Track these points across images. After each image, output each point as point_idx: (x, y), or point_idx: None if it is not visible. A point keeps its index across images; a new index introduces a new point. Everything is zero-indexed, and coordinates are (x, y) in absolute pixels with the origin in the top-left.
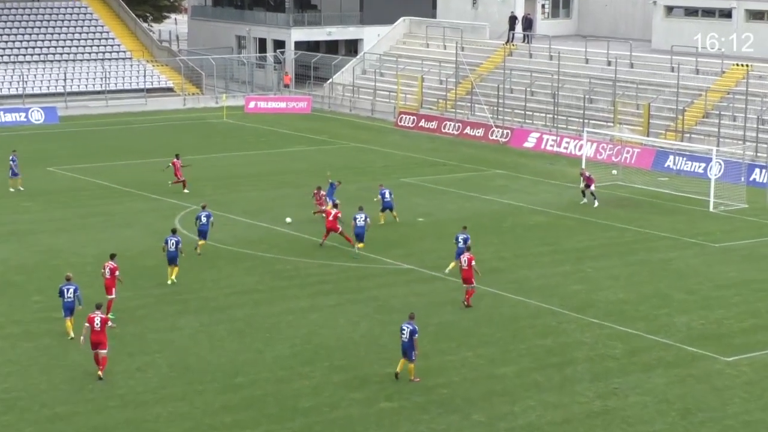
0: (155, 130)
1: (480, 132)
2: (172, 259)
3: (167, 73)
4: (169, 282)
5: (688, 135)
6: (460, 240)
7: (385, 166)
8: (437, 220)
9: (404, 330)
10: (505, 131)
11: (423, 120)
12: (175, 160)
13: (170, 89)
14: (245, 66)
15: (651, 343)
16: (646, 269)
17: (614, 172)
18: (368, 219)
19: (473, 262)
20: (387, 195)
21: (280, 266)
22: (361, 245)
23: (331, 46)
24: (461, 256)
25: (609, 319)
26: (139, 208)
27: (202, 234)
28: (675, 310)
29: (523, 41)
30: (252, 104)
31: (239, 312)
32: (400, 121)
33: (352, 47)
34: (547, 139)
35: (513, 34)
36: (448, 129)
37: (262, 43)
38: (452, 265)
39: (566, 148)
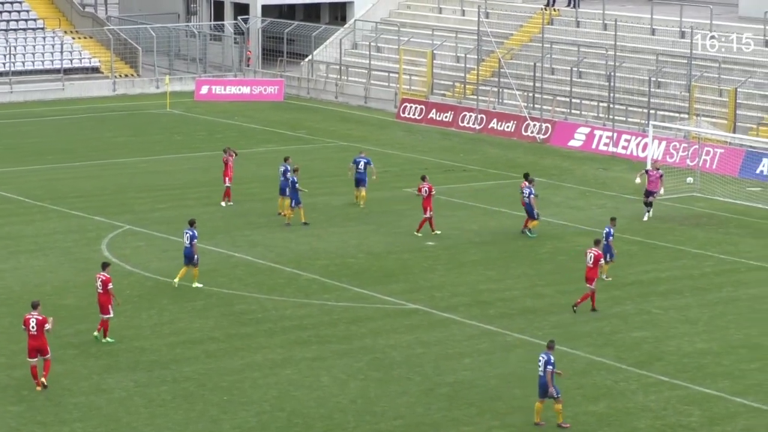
0: (75, 124)
1: (510, 126)
2: (187, 258)
3: (91, 48)
4: (174, 282)
5: None
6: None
7: (384, 171)
8: (452, 245)
9: (540, 361)
10: (543, 125)
11: (434, 110)
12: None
13: (96, 69)
14: (196, 38)
15: (738, 408)
16: (733, 310)
17: (690, 180)
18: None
19: (601, 261)
20: (361, 165)
21: (243, 306)
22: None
23: (311, 12)
24: (588, 252)
25: (682, 377)
26: (55, 228)
27: (187, 259)
28: None
29: (568, 5)
30: (205, 89)
31: (187, 368)
32: (404, 112)
33: (338, 13)
34: (600, 136)
35: None
36: (468, 122)
37: (218, 8)
38: (606, 267)
39: (625, 147)
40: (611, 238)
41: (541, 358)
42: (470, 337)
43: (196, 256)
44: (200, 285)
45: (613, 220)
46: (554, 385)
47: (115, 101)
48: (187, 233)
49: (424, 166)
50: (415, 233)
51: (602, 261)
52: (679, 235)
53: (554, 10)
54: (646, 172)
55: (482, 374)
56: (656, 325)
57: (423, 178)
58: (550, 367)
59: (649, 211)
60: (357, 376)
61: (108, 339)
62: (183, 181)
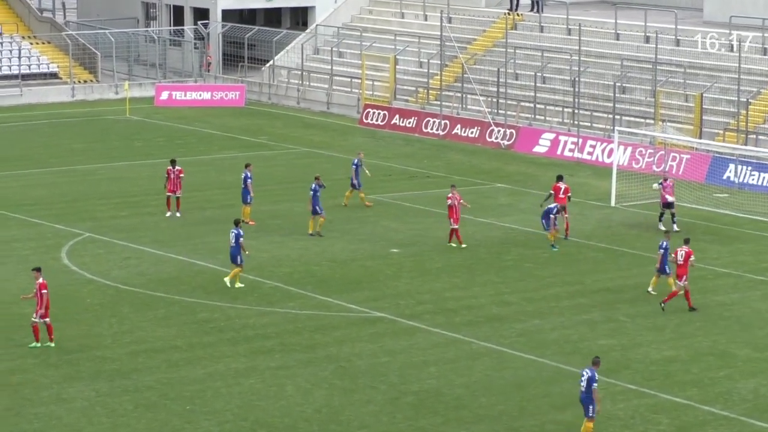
0: (33, 130)
1: (474, 132)
2: (233, 258)
3: (50, 53)
4: (226, 281)
5: (753, 136)
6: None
7: (347, 177)
8: (417, 252)
9: (582, 377)
10: (508, 131)
11: (397, 116)
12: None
13: (54, 75)
14: (155, 44)
15: (706, 416)
16: (700, 317)
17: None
18: None
19: (692, 258)
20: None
21: (205, 314)
22: None
23: (272, 17)
24: (678, 251)
25: (650, 385)
26: (13, 236)
27: (233, 259)
28: (738, 372)
29: (532, 9)
30: (165, 95)
31: (149, 377)
32: (366, 118)
33: (300, 18)
34: (565, 142)
35: (518, 1)
36: (432, 128)
37: (177, 13)
38: (655, 279)
39: (591, 153)
40: (662, 251)
41: (584, 374)
42: (435, 345)
43: (239, 256)
44: (242, 285)
45: (667, 233)
46: (594, 403)
47: (74, 107)
48: (232, 233)
49: (387, 172)
50: (449, 244)
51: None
52: (646, 241)
53: (518, 14)
54: (661, 183)
55: (448, 383)
56: (623, 333)
57: (452, 186)
58: (596, 384)
59: (675, 222)
60: (322, 385)
61: (36, 344)
62: (143, 188)
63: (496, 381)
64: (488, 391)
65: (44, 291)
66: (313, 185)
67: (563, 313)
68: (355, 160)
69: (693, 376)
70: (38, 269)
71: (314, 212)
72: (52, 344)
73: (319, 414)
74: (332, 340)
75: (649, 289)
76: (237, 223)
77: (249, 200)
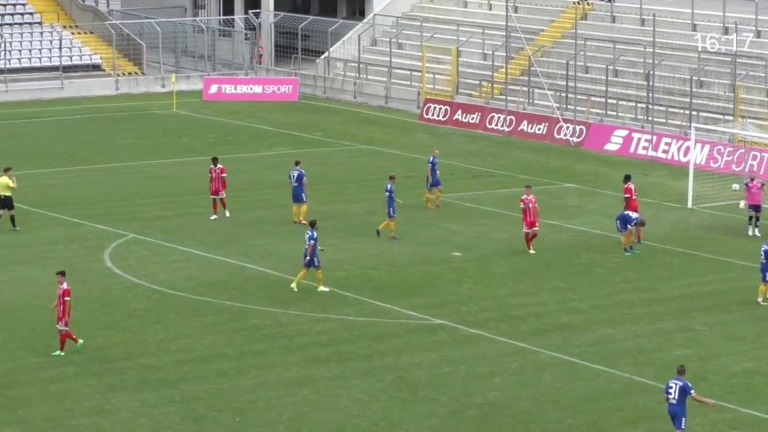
0: (76, 125)
1: (541, 129)
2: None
3: (92, 44)
4: (293, 286)
5: None
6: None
7: (407, 177)
8: (481, 256)
9: (671, 388)
10: (577, 128)
11: (459, 111)
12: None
13: (97, 67)
14: (204, 34)
15: None
16: None
17: (735, 186)
18: None
19: None
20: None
21: (256, 320)
22: None
23: (327, 5)
24: None
25: (730, 399)
26: (54, 237)
27: (296, 198)
28: None
29: None
30: (214, 88)
31: (197, 387)
32: (427, 113)
33: (356, 7)
34: (639, 140)
35: None
36: (496, 124)
37: (227, 1)
38: (763, 288)
39: (666, 151)
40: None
41: (672, 385)
42: (500, 355)
43: (315, 258)
44: (326, 289)
45: None
46: (686, 415)
47: (118, 101)
48: (306, 234)
49: (449, 171)
50: (529, 251)
51: None
52: (724, 245)
53: (588, 4)
54: (746, 184)
55: (513, 395)
56: (700, 343)
57: (527, 187)
58: (693, 390)
59: (758, 226)
60: (379, 396)
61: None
62: (190, 187)
63: (565, 393)
64: (557, 404)
65: (67, 298)
66: (388, 185)
67: (636, 322)
68: (431, 158)
69: None
70: (62, 273)
71: (389, 214)
72: (62, 353)
73: (376, 427)
74: (390, 349)
75: (759, 299)
76: (312, 225)
77: (304, 199)
